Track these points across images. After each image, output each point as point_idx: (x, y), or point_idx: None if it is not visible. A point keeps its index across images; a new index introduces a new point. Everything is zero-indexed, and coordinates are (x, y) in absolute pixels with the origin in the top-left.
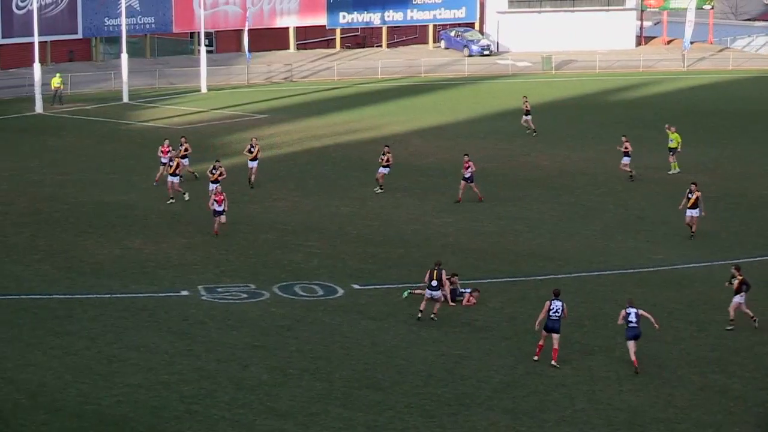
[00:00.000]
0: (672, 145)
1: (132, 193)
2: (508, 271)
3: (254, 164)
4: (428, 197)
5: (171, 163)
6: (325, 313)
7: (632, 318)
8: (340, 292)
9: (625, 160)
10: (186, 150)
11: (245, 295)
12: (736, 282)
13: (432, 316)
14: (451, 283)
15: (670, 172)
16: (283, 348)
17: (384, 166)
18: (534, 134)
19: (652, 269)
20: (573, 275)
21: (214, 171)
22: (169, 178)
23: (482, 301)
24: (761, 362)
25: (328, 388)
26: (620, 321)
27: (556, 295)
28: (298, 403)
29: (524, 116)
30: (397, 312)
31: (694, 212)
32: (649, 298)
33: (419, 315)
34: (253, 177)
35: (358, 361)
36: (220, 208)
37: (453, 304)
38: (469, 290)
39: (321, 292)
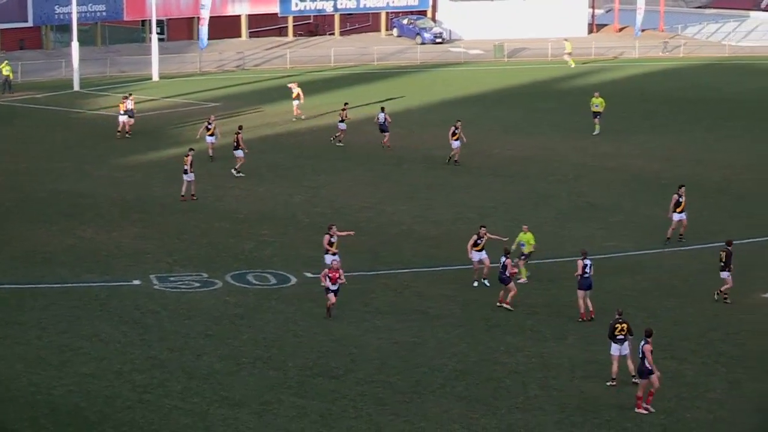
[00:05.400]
0: (597, 109)
1: (84, 181)
2: (461, 259)
3: (212, 139)
4: (382, 185)
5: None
6: (279, 302)
7: (588, 270)
8: (293, 280)
9: (455, 144)
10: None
11: (198, 284)
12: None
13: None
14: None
15: (594, 133)
16: (236, 337)
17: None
18: (339, 144)
19: (604, 256)
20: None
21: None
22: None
23: (436, 288)
24: (712, 348)
25: (282, 376)
26: (578, 272)
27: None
28: (251, 392)
29: (339, 123)
30: (350, 300)
31: (683, 216)
32: (601, 284)
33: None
34: (211, 151)
35: (312, 349)
36: (335, 287)
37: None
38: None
39: (274, 281)
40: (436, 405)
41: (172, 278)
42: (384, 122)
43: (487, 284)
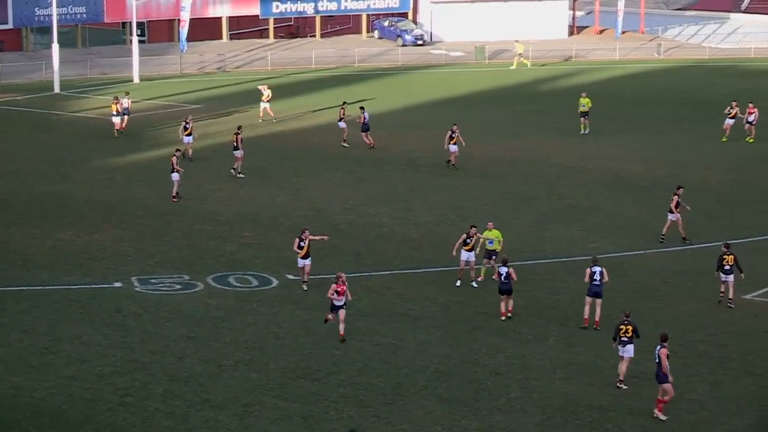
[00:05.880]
0: (584, 109)
1: (64, 183)
2: (443, 261)
3: (189, 139)
4: (363, 187)
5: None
6: (260, 304)
7: (596, 277)
8: (275, 282)
9: (453, 148)
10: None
11: (179, 287)
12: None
13: (305, 286)
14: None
15: (581, 132)
16: (217, 339)
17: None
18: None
19: (585, 258)
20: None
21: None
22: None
23: (417, 290)
24: (693, 349)
25: (263, 378)
26: (586, 279)
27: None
28: (232, 394)
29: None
30: None
31: (675, 216)
32: (582, 286)
33: (305, 287)
34: (190, 151)
35: (293, 351)
36: (341, 302)
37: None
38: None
39: (255, 283)
40: (418, 407)
41: (153, 280)
42: (368, 121)
43: (475, 285)
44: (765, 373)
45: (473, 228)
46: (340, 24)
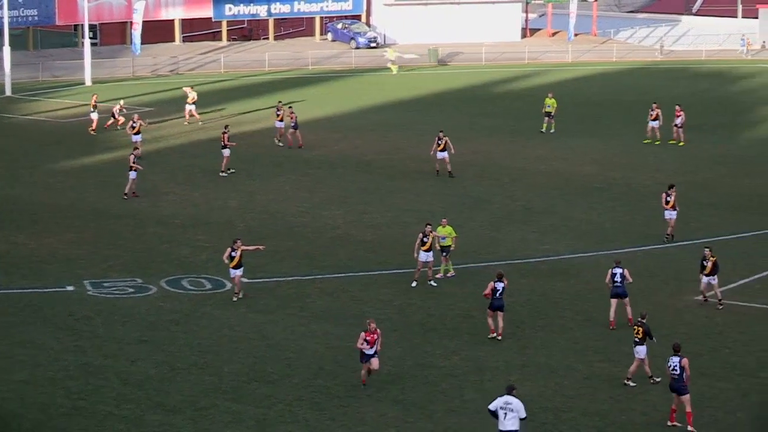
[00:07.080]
0: (548, 110)
1: (17, 187)
2: (397, 263)
3: (138, 138)
4: (317, 189)
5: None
6: (214, 307)
7: (618, 279)
8: (229, 285)
9: (441, 155)
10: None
11: (132, 290)
12: (709, 264)
13: (235, 297)
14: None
15: (545, 130)
16: (171, 342)
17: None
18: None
19: (539, 259)
20: (461, 266)
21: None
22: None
23: (372, 292)
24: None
25: (217, 382)
26: (607, 280)
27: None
28: (186, 398)
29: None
30: (286, 305)
31: (673, 214)
32: (536, 288)
33: (234, 298)
34: (139, 149)
35: (248, 354)
36: (372, 351)
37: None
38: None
39: (209, 286)
40: (373, 409)
41: (106, 284)
42: (296, 120)
43: (434, 284)
44: (716, 374)
45: (428, 226)
46: (294, 26)
